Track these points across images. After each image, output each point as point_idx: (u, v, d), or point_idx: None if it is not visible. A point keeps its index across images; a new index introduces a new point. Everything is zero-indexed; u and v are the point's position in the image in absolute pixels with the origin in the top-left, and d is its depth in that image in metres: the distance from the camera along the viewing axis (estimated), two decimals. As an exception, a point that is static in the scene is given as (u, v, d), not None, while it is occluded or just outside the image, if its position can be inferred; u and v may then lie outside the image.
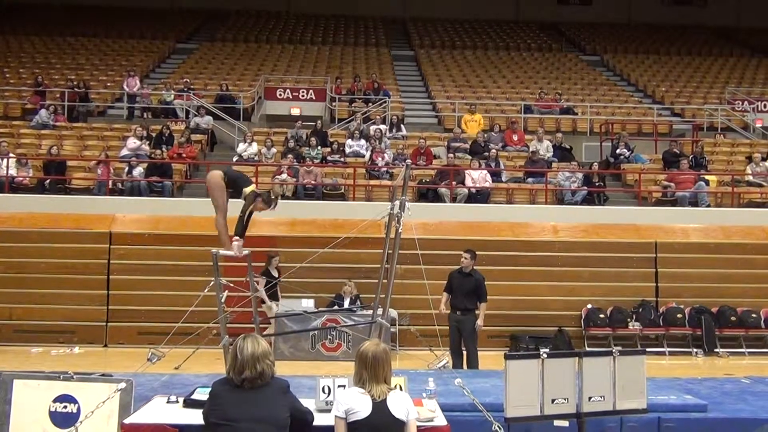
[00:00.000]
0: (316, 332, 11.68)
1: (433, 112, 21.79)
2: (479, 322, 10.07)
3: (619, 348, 5.74)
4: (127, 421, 4.99)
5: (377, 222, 7.73)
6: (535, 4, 31.77)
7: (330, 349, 11.83)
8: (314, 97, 21.21)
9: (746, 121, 21.30)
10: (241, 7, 30.74)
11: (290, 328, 11.46)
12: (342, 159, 16.67)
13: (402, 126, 18.95)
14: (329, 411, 4.53)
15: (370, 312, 7.93)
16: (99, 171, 15.22)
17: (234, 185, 7.34)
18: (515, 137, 18.07)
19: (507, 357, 5.34)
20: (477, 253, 12.75)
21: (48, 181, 15.10)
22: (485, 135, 17.87)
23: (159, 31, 27.56)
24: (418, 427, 4.41)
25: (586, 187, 15.68)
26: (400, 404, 4.27)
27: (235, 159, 16.66)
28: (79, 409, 5.39)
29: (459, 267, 10.32)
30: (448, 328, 10.07)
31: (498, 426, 5.22)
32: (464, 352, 10.19)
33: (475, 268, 10.30)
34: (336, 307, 12.29)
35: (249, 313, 7.79)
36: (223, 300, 7.02)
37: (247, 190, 7.27)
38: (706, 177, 16.11)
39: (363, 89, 21.13)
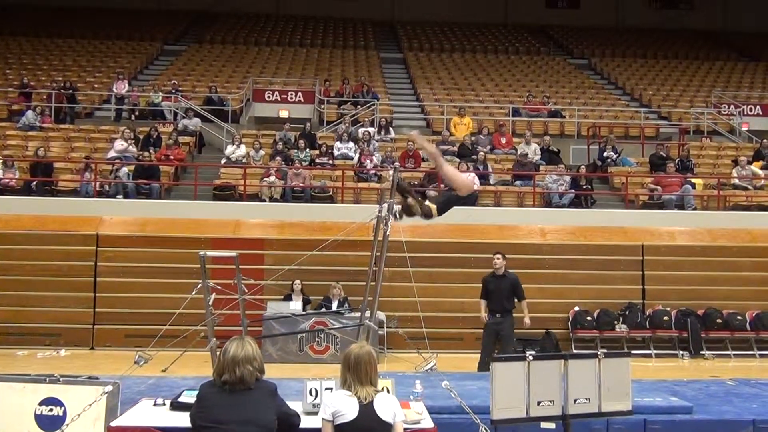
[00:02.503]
0: (304, 335, 11.68)
1: (421, 114, 21.82)
2: (526, 320, 10.27)
3: (605, 350, 5.78)
4: (113, 424, 4.98)
5: (365, 224, 7.73)
6: (523, 7, 31.88)
7: (318, 352, 11.82)
8: (303, 100, 21.20)
9: (732, 124, 21.46)
10: (230, 8, 30.66)
11: (278, 330, 11.46)
12: (330, 161, 16.67)
13: (390, 128, 18.98)
14: (316, 413, 4.54)
15: (358, 314, 7.93)
16: (87, 174, 15.15)
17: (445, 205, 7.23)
18: (503, 140, 18.13)
19: (494, 359, 5.37)
20: (464, 256, 12.83)
21: (35, 182, 15.03)
22: (473, 138, 17.91)
23: (147, 32, 27.47)
24: (405, 429, 4.42)
25: (573, 190, 15.75)
26: (386, 407, 4.27)
27: (223, 161, 16.64)
28: (65, 412, 5.36)
29: (491, 271, 10.41)
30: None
31: (485, 428, 5.24)
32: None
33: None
34: (324, 310, 12.29)
35: (237, 315, 7.76)
36: (210, 302, 7.00)
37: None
38: (693, 180, 16.21)
39: (352, 92, 21.13)
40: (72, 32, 26.66)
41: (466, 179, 7.42)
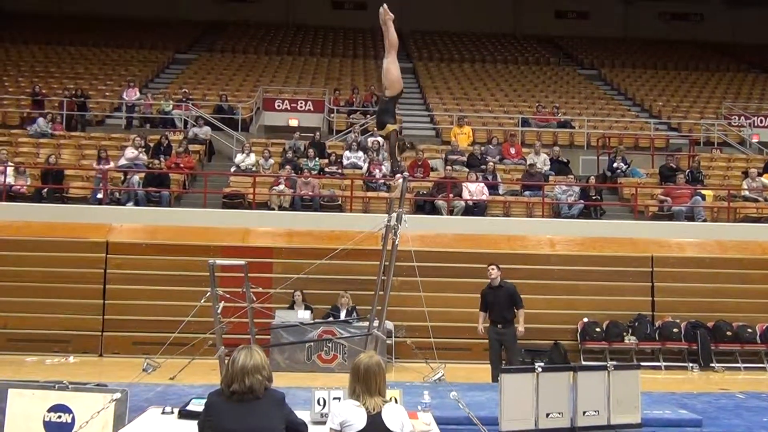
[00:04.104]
0: (312, 343, 11.68)
1: (430, 124, 21.85)
2: (520, 329, 10.20)
3: (614, 362, 5.76)
4: (121, 431, 4.99)
5: (374, 234, 7.73)
6: (532, 17, 31.92)
7: (326, 361, 11.81)
8: (312, 109, 21.25)
9: (742, 136, 21.39)
10: (240, 18, 30.85)
11: (286, 339, 11.46)
12: (339, 170, 16.69)
13: (399, 138, 18.95)
14: (324, 423, 4.53)
15: (366, 324, 7.94)
16: (102, 166, 15.29)
17: (383, 113, 7.39)
18: (512, 150, 18.12)
19: (502, 371, 5.36)
20: (473, 266, 12.80)
21: (45, 189, 15.10)
22: (482, 148, 17.91)
23: (158, 41, 27.64)
24: (412, 439, 4.40)
25: (582, 201, 15.71)
26: (395, 417, 4.26)
27: (233, 169, 16.68)
28: (73, 419, 5.38)
29: (488, 283, 10.39)
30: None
31: (493, 439, 5.23)
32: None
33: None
34: (332, 319, 12.29)
35: (245, 323, 7.78)
36: (219, 311, 7.01)
37: (390, 127, 7.30)
38: (703, 192, 16.14)
39: (361, 101, 21.19)
40: (84, 40, 26.83)
41: (399, 78, 7.66)
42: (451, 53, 28.61)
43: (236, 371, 4.14)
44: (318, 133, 18.50)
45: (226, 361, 4.36)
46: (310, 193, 15.34)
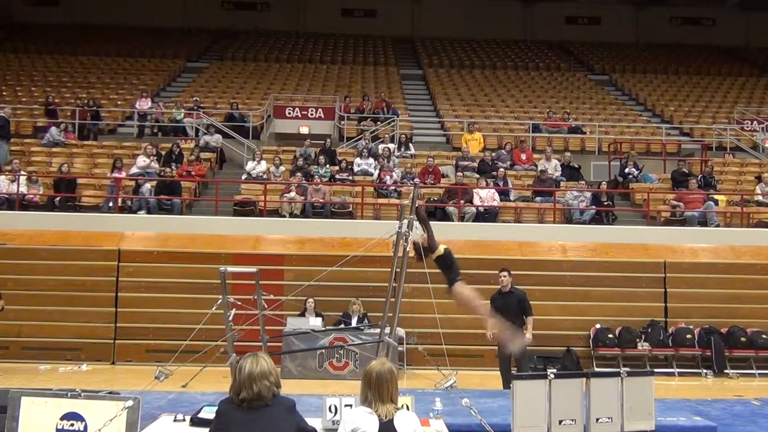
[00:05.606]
0: (323, 351, 11.66)
1: (441, 130, 21.84)
2: (528, 336, 10.12)
3: (627, 369, 5.72)
4: (133, 439, 4.99)
5: (385, 241, 7.72)
6: (543, 23, 31.91)
7: (337, 368, 11.80)
8: (323, 116, 21.30)
9: (755, 140, 21.25)
10: (251, 26, 31.00)
11: (298, 346, 11.45)
12: (350, 177, 16.71)
13: (410, 145, 19.00)
14: (336, 430, 4.52)
15: (378, 331, 7.92)
16: (114, 174, 15.38)
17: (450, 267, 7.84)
18: (523, 156, 18.08)
19: (515, 377, 5.33)
20: (485, 272, 12.77)
21: (58, 198, 15.18)
22: (493, 154, 17.89)
23: (169, 49, 27.82)
24: (424, 447, 4.38)
25: (594, 207, 15.65)
26: (407, 424, 4.24)
27: (244, 177, 16.74)
28: (86, 427, 5.38)
29: (498, 288, 10.36)
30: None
31: (505, 447, 5.20)
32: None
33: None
34: (343, 326, 12.28)
35: (257, 331, 7.78)
36: (230, 318, 7.01)
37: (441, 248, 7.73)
38: (715, 197, 16.05)
39: (372, 108, 21.21)
40: (96, 50, 27.03)
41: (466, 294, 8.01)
42: (461, 59, 28.62)
43: (243, 379, 4.14)
44: (329, 140, 18.53)
45: (236, 369, 4.35)
46: (320, 200, 15.36)
